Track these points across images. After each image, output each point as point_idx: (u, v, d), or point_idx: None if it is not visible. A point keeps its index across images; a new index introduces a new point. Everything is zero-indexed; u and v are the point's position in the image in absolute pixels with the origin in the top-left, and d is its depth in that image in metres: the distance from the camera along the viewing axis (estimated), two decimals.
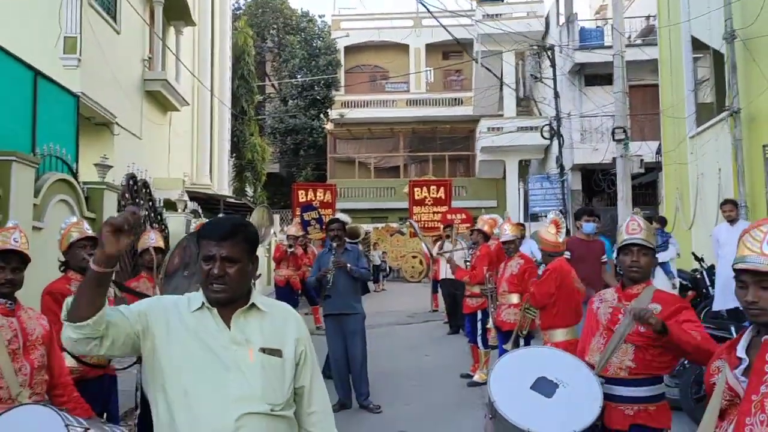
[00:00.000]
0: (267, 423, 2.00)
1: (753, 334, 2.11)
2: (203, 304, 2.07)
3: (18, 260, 2.73)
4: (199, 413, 1.96)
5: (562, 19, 21.96)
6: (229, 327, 2.06)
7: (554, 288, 4.90)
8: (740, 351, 2.03)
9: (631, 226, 3.26)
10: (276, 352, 2.07)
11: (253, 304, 2.11)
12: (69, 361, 4.13)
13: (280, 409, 2.04)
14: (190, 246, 3.21)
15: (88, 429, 2.55)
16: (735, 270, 2.15)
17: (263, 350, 2.05)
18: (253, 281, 7.94)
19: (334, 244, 6.60)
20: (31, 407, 2.58)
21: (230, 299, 2.06)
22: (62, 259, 4.21)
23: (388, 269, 24.04)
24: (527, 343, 5.86)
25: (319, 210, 13.40)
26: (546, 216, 18.91)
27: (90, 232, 4.21)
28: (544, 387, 2.94)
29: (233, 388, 1.98)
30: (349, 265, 6.43)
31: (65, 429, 2.41)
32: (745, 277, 2.10)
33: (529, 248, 8.46)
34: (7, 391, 2.71)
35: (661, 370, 3.12)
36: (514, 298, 6.32)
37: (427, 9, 13.51)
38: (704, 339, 2.89)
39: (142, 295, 4.46)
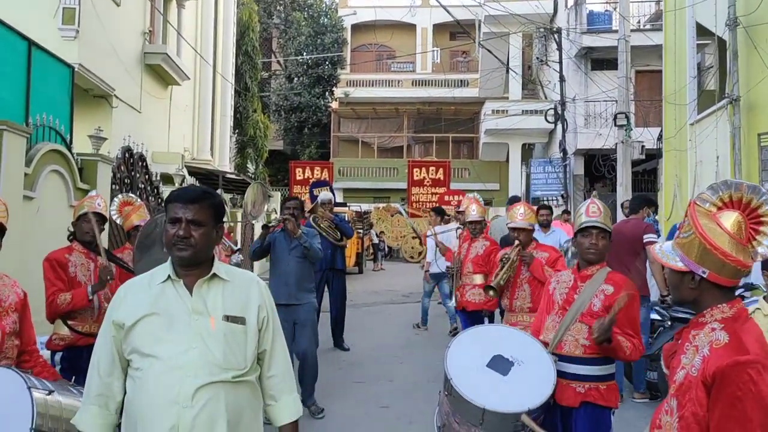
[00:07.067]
0: (226, 391, 2.05)
1: None
2: (169, 277, 2.12)
3: None
4: (158, 384, 2.00)
5: (571, 2, 21.73)
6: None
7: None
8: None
9: (591, 209, 3.31)
10: (239, 320, 2.12)
11: (215, 274, 2.15)
12: (61, 329, 4.21)
13: (243, 375, 2.09)
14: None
15: (52, 391, 2.57)
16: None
17: (227, 318, 2.10)
18: (240, 257, 7.55)
19: (282, 223, 5.67)
20: None
21: (194, 260, 2.11)
22: (71, 229, 4.30)
23: (387, 249, 24.07)
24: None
25: (332, 186, 12.70)
26: (547, 200, 18.79)
27: (100, 209, 4.27)
28: (500, 365, 2.98)
29: (194, 356, 2.02)
30: (300, 231, 5.61)
31: (27, 390, 2.43)
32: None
33: (558, 238, 8.34)
34: None
35: None
36: (478, 279, 6.22)
37: None
38: (632, 349, 3.10)
39: (126, 267, 4.54)
